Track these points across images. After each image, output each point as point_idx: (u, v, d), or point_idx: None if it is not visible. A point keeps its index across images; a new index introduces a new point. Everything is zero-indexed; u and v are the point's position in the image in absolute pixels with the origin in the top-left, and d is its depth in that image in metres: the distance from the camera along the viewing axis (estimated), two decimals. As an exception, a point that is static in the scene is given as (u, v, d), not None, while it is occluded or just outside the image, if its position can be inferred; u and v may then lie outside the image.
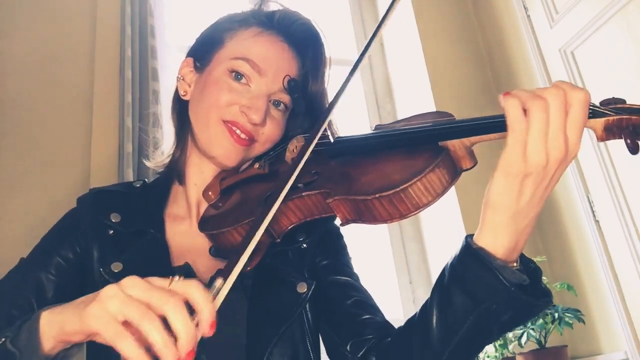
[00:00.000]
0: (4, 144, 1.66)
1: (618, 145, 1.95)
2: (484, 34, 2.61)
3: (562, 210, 2.16)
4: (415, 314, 0.73)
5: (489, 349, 1.81)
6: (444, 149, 0.63)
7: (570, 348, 1.86)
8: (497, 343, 1.74)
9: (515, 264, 0.63)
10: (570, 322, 1.66)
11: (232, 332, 0.79)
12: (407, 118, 0.77)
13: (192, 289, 0.50)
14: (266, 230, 0.75)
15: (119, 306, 0.49)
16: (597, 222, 2.01)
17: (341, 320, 0.83)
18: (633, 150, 0.56)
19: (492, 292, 0.61)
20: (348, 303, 0.84)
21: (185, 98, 0.93)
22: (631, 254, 1.88)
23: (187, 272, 0.82)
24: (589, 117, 0.56)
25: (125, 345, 0.48)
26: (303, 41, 0.93)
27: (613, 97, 0.59)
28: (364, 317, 0.82)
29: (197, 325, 0.49)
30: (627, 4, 1.91)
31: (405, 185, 0.60)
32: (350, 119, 2.43)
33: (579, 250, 2.09)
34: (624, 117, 0.56)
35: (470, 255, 0.62)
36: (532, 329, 1.67)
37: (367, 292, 0.88)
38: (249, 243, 0.57)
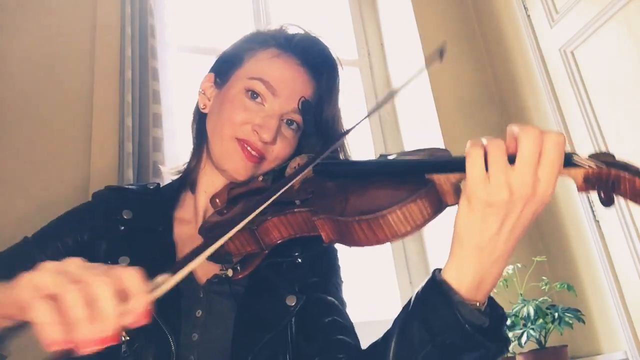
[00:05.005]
0: (3, 144, 1.66)
1: (618, 146, 1.95)
2: (484, 34, 2.60)
3: (562, 210, 2.15)
4: (379, 338, 0.72)
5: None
6: (429, 181, 0.63)
7: (570, 348, 1.85)
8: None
9: (479, 304, 0.61)
10: (570, 322, 1.66)
11: (222, 335, 0.81)
12: (411, 151, 0.77)
13: (128, 275, 0.48)
14: (255, 240, 0.76)
15: (47, 277, 0.48)
16: (597, 222, 2.00)
17: (314, 335, 0.83)
18: (606, 202, 0.56)
19: (446, 326, 0.59)
20: (325, 321, 0.85)
21: (205, 111, 0.98)
22: (631, 254, 1.88)
23: None
24: (569, 166, 0.56)
25: (38, 307, 0.45)
26: (319, 65, 0.96)
27: (603, 152, 0.59)
28: (338, 337, 0.83)
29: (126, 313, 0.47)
30: (627, 4, 1.91)
31: (383, 212, 0.60)
32: (350, 119, 2.42)
33: (579, 250, 2.08)
34: (604, 169, 0.56)
35: (433, 287, 0.62)
36: (532, 328, 1.67)
37: (348, 317, 0.88)
38: (211, 245, 0.56)
